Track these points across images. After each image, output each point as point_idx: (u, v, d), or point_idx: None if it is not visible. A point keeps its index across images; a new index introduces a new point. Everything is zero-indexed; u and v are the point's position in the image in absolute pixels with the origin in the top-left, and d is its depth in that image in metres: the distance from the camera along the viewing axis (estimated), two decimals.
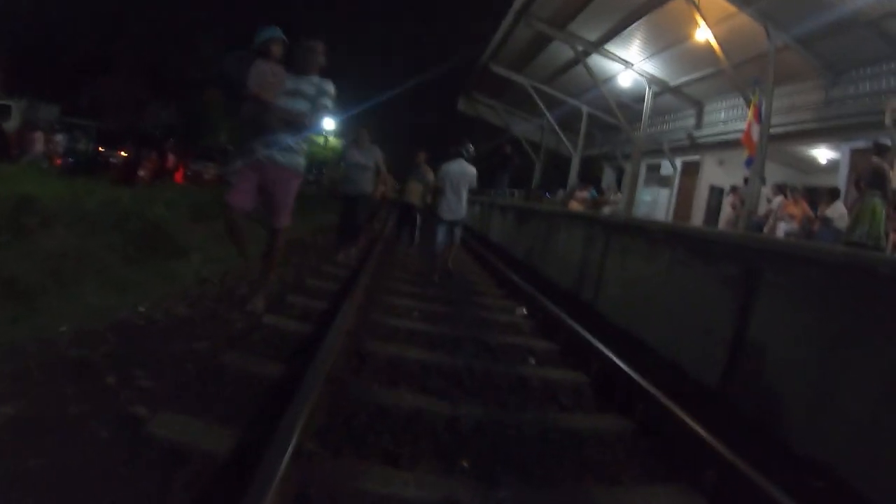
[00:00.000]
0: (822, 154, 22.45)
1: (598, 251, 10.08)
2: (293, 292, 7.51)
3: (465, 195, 11.57)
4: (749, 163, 16.77)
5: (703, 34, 17.55)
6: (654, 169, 28.51)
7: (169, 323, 5.27)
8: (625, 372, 5.39)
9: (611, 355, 5.86)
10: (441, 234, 11.41)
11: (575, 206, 24.02)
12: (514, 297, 10.14)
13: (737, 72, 19.89)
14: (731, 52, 18.13)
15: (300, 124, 6.05)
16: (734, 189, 20.60)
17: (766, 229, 16.05)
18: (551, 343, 7.10)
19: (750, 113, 16.62)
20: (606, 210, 22.97)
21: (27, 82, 35.84)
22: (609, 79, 25.21)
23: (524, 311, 9.10)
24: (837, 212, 14.14)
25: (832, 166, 22.00)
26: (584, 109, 30.34)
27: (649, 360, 6.69)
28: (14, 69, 38.19)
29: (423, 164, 14.22)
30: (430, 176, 13.82)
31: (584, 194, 26.61)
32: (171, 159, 27.66)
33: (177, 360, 4.39)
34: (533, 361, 6.26)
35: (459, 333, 6.80)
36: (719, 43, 17.50)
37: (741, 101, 22.60)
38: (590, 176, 34.62)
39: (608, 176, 35.98)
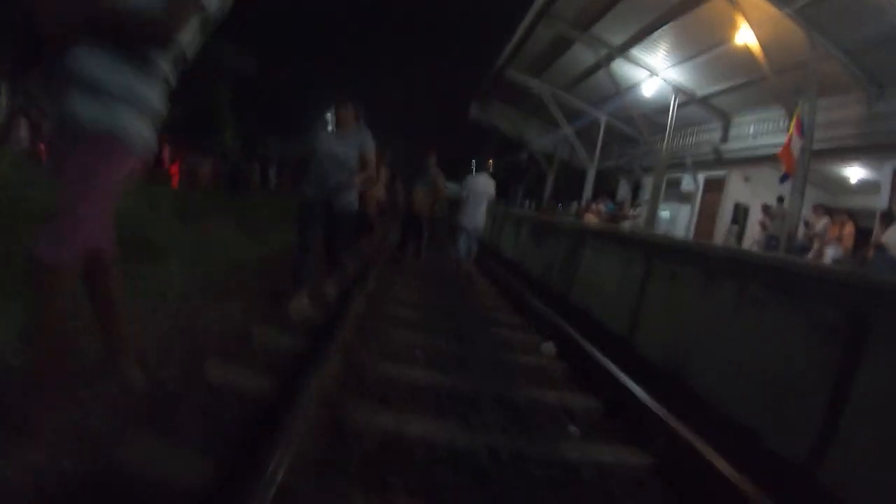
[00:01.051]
0: (855, 173, 20.97)
1: (635, 276, 8.61)
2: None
3: (484, 207, 12.37)
4: (784, 179, 15.50)
5: (742, 37, 16.03)
6: (674, 184, 26.92)
7: None
8: (701, 456, 4.02)
9: (675, 424, 4.49)
10: (463, 241, 12.37)
11: (591, 219, 22.63)
12: (536, 327, 8.65)
13: (774, 81, 18.65)
14: (770, 58, 16.72)
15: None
16: (767, 208, 19.07)
17: (811, 255, 14.54)
18: (591, 398, 5.56)
19: (792, 125, 15.09)
20: (626, 225, 21.58)
21: (17, 67, 34.34)
22: (632, 87, 23.83)
23: (552, 348, 7.50)
24: (894, 238, 12.64)
25: (864, 187, 20.85)
26: (603, 119, 29.01)
27: (712, 417, 5.38)
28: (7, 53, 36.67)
29: (434, 166, 12.66)
30: (442, 181, 12.51)
31: (601, 207, 25.19)
32: (166, 154, 26.42)
33: None
34: (575, 432, 4.74)
35: (477, 388, 5.25)
36: (760, 47, 15.98)
37: (773, 114, 21.52)
38: (604, 189, 33.17)
39: (623, 189, 34.61)
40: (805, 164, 15.19)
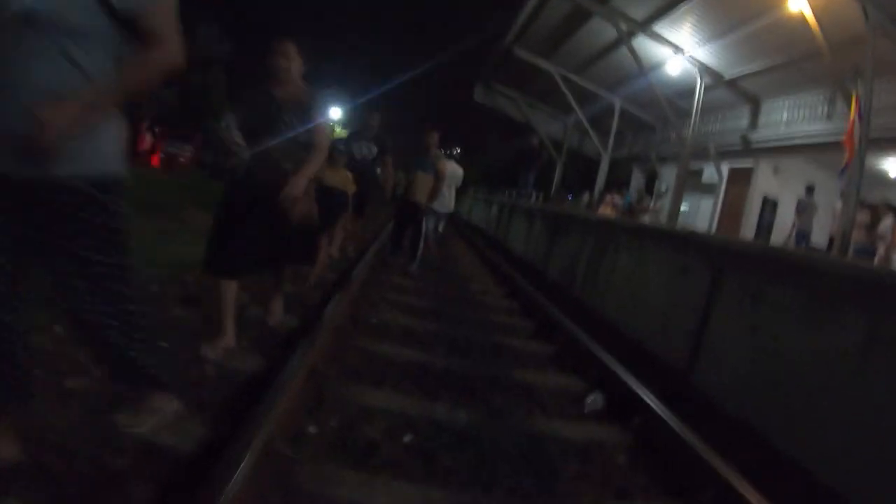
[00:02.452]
0: (894, 166, 19.08)
1: (696, 291, 6.64)
2: None
3: (454, 192, 13.72)
4: (844, 172, 13.66)
5: (797, 4, 13.94)
6: (695, 175, 24.80)
7: None
8: None
9: None
10: (432, 223, 13.05)
11: (605, 212, 20.68)
12: (572, 363, 6.46)
13: (813, 62, 16.88)
14: (815, 36, 14.70)
15: None
16: (800, 206, 17.14)
17: (877, 260, 12.52)
18: None
19: (853, 108, 13.07)
20: (646, 220, 19.58)
21: None
22: (654, 67, 21.68)
23: (600, 401, 5.29)
24: None
25: None
26: (617, 104, 27.03)
27: None
28: None
29: (436, 148, 10.53)
30: (444, 166, 10.62)
31: (617, 199, 23.20)
32: (146, 140, 24.62)
33: None
34: None
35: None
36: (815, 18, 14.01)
37: (810, 98, 19.71)
38: (616, 179, 31.13)
39: (637, 180, 32.62)
40: (861, 154, 13.21)
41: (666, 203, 23.05)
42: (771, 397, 5.04)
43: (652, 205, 22.30)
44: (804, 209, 16.79)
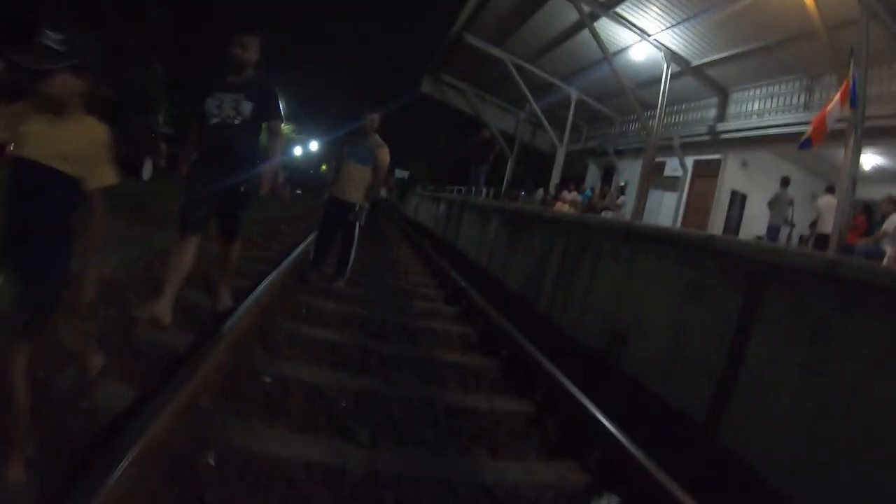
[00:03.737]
0: (869, 160, 17.77)
1: (719, 319, 4.86)
2: None
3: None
4: (805, 146, 12.70)
5: None
6: (657, 168, 23.22)
7: None
8: None
9: None
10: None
11: (562, 209, 19.03)
12: (559, 428, 4.54)
13: (788, 49, 16.30)
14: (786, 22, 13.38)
15: None
16: (773, 199, 15.90)
17: (886, 262, 10.97)
18: None
19: (838, 94, 11.93)
20: (609, 217, 17.95)
21: None
22: (618, 53, 20.05)
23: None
24: None
25: (878, 176, 18.07)
26: (574, 95, 25.39)
27: None
28: None
29: (374, 134, 8.36)
30: (384, 155, 8.34)
31: (575, 196, 21.57)
32: None
33: None
34: None
35: None
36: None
37: (783, 88, 18.56)
38: (570, 175, 29.58)
39: (592, 175, 31.08)
40: (857, 145, 11.79)
41: (628, 199, 21.49)
42: (831, 473, 3.38)
43: (615, 202, 20.62)
44: (778, 202, 15.43)
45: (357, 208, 8.16)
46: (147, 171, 23.03)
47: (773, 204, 15.58)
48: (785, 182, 15.81)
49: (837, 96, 12.05)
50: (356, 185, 8.15)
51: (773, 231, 15.38)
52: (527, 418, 4.66)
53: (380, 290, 8.78)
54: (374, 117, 8.22)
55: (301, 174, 60.28)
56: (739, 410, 4.45)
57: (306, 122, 69.54)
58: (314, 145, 71.09)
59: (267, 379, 4.30)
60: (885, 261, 10.89)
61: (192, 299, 5.78)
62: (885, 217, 12.02)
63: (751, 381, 4.44)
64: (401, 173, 61.57)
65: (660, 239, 6.14)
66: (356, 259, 8.60)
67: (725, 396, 4.63)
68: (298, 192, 49.61)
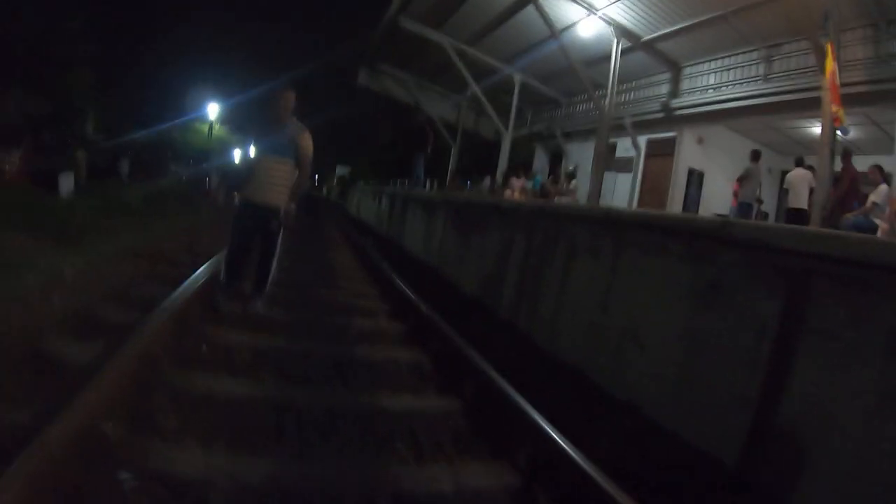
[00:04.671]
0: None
1: (748, 328, 3.67)
2: None
3: None
4: (845, 132, 12.10)
5: None
6: (608, 150, 22.26)
7: None
8: None
9: None
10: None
11: (512, 197, 17.85)
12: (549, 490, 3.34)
13: (740, 18, 15.47)
14: None
15: None
16: (745, 174, 14.92)
17: (880, 233, 10.07)
18: None
19: (829, 62, 10.96)
20: (562, 202, 16.80)
21: None
22: (564, 30, 18.87)
23: None
24: None
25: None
26: (518, 78, 24.29)
27: None
28: None
29: (292, 117, 6.64)
30: (307, 143, 6.61)
31: (523, 183, 20.39)
32: None
33: None
34: None
35: None
36: None
37: (738, 59, 17.77)
38: (517, 161, 28.44)
39: (540, 160, 30.05)
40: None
41: (579, 183, 20.42)
42: None
43: (567, 187, 19.47)
44: (749, 177, 14.43)
45: (281, 214, 6.53)
46: (66, 185, 20.69)
47: (744, 179, 14.55)
48: (755, 156, 14.80)
49: (832, 65, 11.21)
50: (276, 184, 6.48)
51: (744, 208, 14.31)
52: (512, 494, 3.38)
53: (308, 308, 7.15)
54: (289, 95, 6.55)
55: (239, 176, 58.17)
56: (784, 451, 3.28)
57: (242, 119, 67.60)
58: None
59: (124, 476, 2.86)
60: (879, 233, 9.95)
61: None
62: (873, 188, 11.06)
63: (799, 413, 3.27)
64: (342, 170, 60.17)
65: (654, 227, 4.87)
66: (281, 268, 7.25)
67: (761, 430, 3.47)
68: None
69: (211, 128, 51.63)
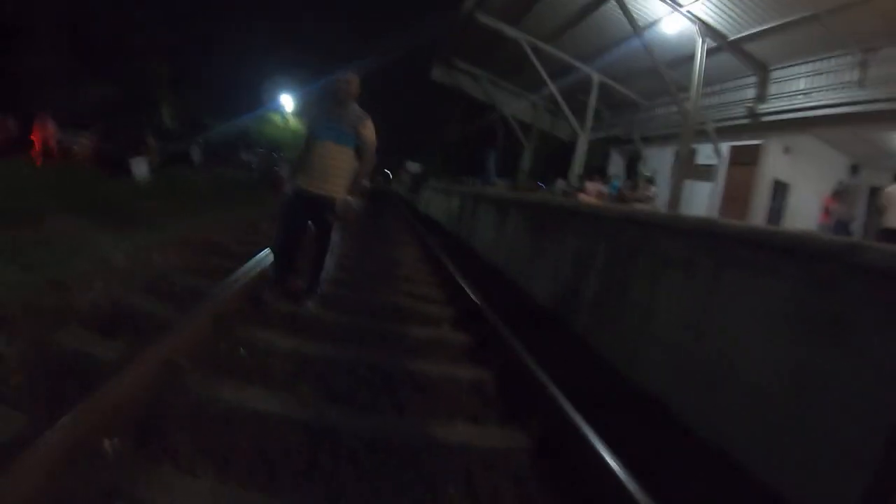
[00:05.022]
0: None
1: (876, 379, 3.03)
2: None
3: None
4: None
5: None
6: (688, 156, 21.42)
7: None
8: None
9: None
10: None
11: (588, 201, 17.12)
12: None
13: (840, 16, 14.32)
14: None
15: None
16: (842, 189, 13.97)
17: None
18: None
19: None
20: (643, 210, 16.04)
21: None
22: (648, 26, 18.13)
23: None
24: None
25: None
26: (595, 78, 23.52)
27: None
28: None
29: (353, 103, 6.13)
30: (369, 131, 6.09)
31: (600, 187, 19.66)
32: (38, 128, 20.89)
33: None
34: None
35: None
36: None
37: (833, 63, 16.59)
38: (591, 164, 27.70)
39: (615, 164, 29.20)
40: None
41: (658, 191, 19.60)
42: None
43: (646, 193, 18.65)
44: (847, 193, 13.49)
45: (337, 206, 6.04)
46: (140, 170, 20.91)
47: (841, 195, 13.62)
48: (855, 169, 13.89)
49: None
50: (335, 172, 6.01)
51: (840, 227, 13.32)
52: None
53: (365, 310, 6.53)
54: (353, 79, 6.08)
55: None
56: None
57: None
58: None
59: None
60: None
61: None
62: None
63: None
64: (413, 166, 59.84)
65: (763, 244, 4.20)
66: (342, 266, 6.75)
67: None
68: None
69: (284, 119, 52.03)
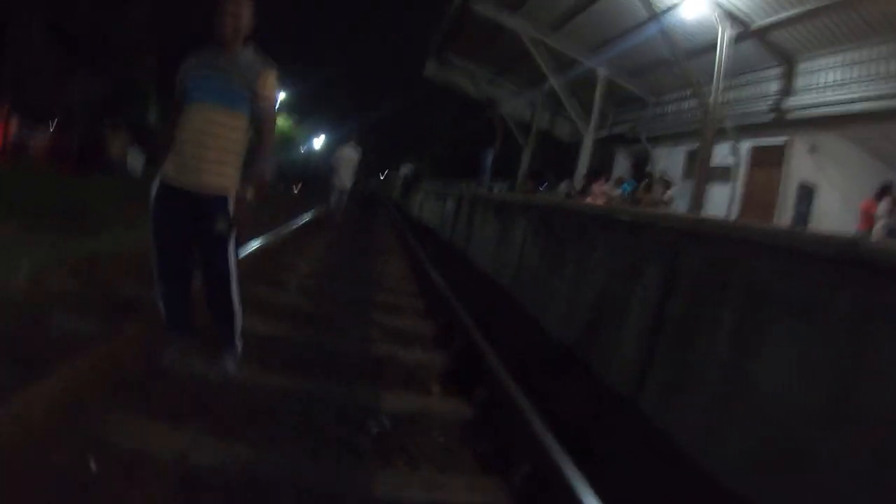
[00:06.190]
0: None
1: None
2: None
3: (352, 171, 16.29)
4: None
5: None
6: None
7: None
8: None
9: None
10: (335, 196, 16.06)
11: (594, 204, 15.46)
12: None
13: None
14: None
15: None
16: (886, 190, 12.39)
17: None
18: None
19: None
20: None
21: None
22: (665, 11, 16.42)
23: None
24: None
25: None
26: (601, 72, 21.87)
27: None
28: None
29: (245, 44, 3.86)
30: (269, 87, 3.83)
31: (608, 188, 17.99)
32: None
33: None
34: None
35: None
36: None
37: (869, 52, 14.90)
38: (594, 164, 26.14)
39: (620, 165, 27.49)
40: None
41: (675, 193, 17.88)
42: None
43: (662, 196, 16.93)
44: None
45: (230, 206, 3.81)
46: (135, 165, 21.22)
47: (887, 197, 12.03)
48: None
49: None
50: (219, 154, 3.79)
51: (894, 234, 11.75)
52: None
53: (321, 363, 4.53)
54: (243, 3, 3.82)
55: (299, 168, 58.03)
56: None
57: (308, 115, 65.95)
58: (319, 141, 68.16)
59: None
60: None
61: None
62: None
63: None
64: (405, 169, 58.37)
65: None
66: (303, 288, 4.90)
67: None
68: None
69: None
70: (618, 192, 18.43)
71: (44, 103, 24.44)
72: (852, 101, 14.92)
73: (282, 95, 50.33)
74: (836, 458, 2.80)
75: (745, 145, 18.88)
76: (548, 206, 8.34)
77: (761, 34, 16.38)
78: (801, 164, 17.56)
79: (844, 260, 3.02)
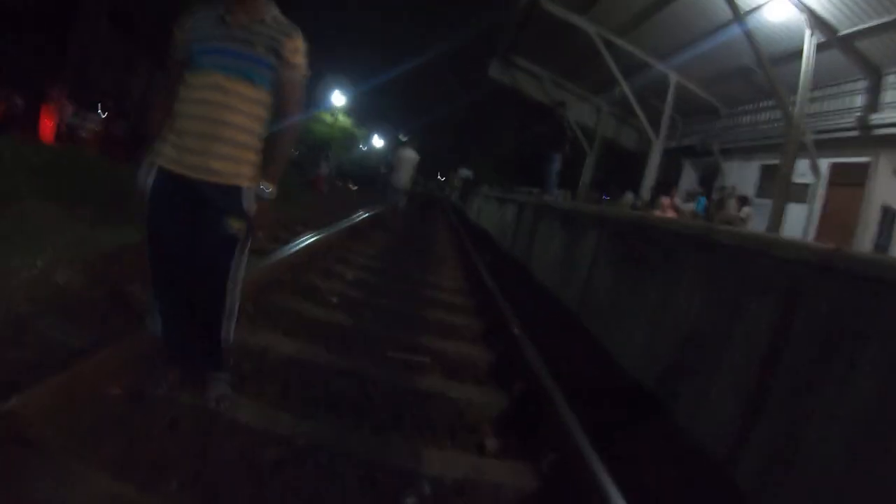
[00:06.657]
0: None
1: None
2: None
3: (409, 172, 16.63)
4: None
5: None
6: (772, 169, 18.60)
7: None
8: None
9: None
10: (391, 195, 16.38)
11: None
12: None
13: None
14: None
15: None
16: None
17: None
18: None
19: None
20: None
21: None
22: (750, 12, 15.39)
23: None
24: None
25: None
26: (672, 78, 21.04)
27: None
28: None
29: (269, 4, 3.05)
30: (297, 55, 3.04)
31: (678, 202, 16.96)
32: (50, 106, 19.36)
33: None
34: None
35: None
36: None
37: None
38: (660, 177, 25.13)
39: (688, 177, 26.40)
40: None
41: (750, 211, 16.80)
42: None
43: (738, 213, 15.83)
44: None
45: (244, 199, 3.10)
46: None
47: None
48: None
49: None
50: (233, 131, 3.03)
51: None
52: None
53: (345, 401, 3.75)
54: None
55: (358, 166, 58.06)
56: None
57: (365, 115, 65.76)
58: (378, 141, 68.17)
59: None
60: None
61: None
62: None
63: None
64: (465, 172, 57.74)
65: None
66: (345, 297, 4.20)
67: None
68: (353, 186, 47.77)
69: (334, 117, 50.86)
70: (690, 206, 17.37)
71: (102, 91, 24.15)
72: None
73: (343, 100, 50.38)
74: None
75: (825, 163, 17.67)
76: (625, 220, 7.35)
77: (847, 42, 15.30)
78: (885, 186, 16.29)
79: None
